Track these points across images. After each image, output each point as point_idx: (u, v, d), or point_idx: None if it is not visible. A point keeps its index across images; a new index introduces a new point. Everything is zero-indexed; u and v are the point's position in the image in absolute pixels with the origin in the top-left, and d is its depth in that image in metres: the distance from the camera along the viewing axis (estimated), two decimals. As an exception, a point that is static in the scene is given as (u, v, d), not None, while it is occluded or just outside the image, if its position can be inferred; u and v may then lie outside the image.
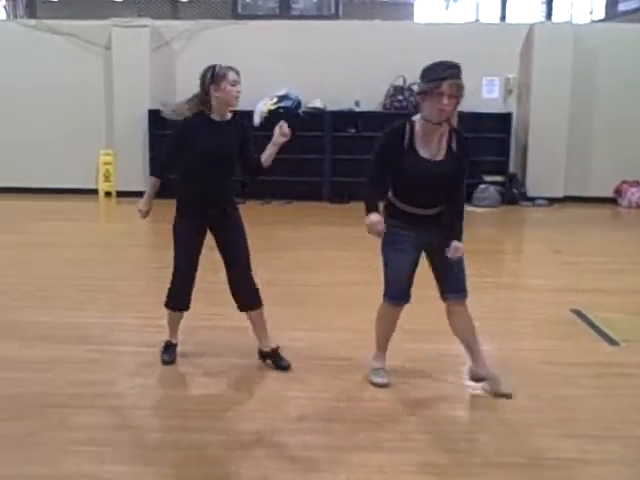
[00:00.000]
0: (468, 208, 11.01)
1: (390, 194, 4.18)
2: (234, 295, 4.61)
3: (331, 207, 11.59)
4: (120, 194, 12.22)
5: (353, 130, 12.05)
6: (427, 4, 34.14)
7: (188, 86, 13.24)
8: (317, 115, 11.87)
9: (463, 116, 13.14)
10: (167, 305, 4.64)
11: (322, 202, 11.89)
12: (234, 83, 4.36)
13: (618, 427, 3.89)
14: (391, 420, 3.95)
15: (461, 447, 3.67)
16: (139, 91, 11.94)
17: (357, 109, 11.95)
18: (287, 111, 11.76)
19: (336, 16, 13.69)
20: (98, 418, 3.88)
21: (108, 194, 12.37)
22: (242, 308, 4.64)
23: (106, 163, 12.33)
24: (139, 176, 12.06)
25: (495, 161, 11.97)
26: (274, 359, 4.62)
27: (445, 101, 3.83)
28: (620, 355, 4.95)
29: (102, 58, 12.24)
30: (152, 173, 4.65)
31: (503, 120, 11.94)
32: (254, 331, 4.69)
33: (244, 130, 4.58)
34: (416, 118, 4.03)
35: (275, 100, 11.77)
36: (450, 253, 4.08)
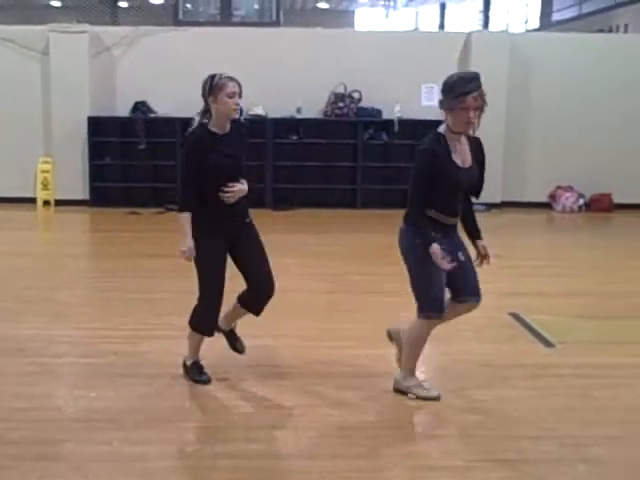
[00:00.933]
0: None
1: (428, 209, 4.14)
2: (256, 301, 4.48)
3: (274, 214, 11.58)
4: (59, 203, 12.00)
5: (295, 137, 12.08)
6: (367, 12, 34.46)
7: (129, 92, 13.13)
8: (259, 122, 11.85)
9: (402, 123, 13.33)
10: (197, 329, 4.46)
11: (265, 209, 11.87)
12: (232, 95, 4.23)
13: (555, 427, 3.99)
14: (333, 426, 3.96)
15: (402, 451, 3.71)
16: (78, 97, 11.75)
17: (299, 116, 11.98)
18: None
19: (277, 23, 13.72)
20: (35, 432, 3.81)
21: (46, 203, 12.14)
22: (259, 313, 4.53)
23: (44, 171, 12.08)
24: (78, 184, 11.88)
25: (435, 167, 12.12)
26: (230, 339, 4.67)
27: (471, 114, 3.96)
28: (556, 356, 5.08)
29: (40, 64, 12.01)
30: (183, 209, 4.29)
31: (442, 127, 12.10)
32: (227, 312, 4.59)
33: (244, 135, 4.53)
34: (441, 129, 4.10)
35: (216, 107, 11.71)
36: (483, 250, 4.26)
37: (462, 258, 4.19)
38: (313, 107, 12.09)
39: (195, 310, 4.44)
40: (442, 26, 27.89)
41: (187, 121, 13.09)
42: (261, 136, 11.86)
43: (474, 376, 4.69)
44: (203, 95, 4.30)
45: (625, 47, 12.48)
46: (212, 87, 4.24)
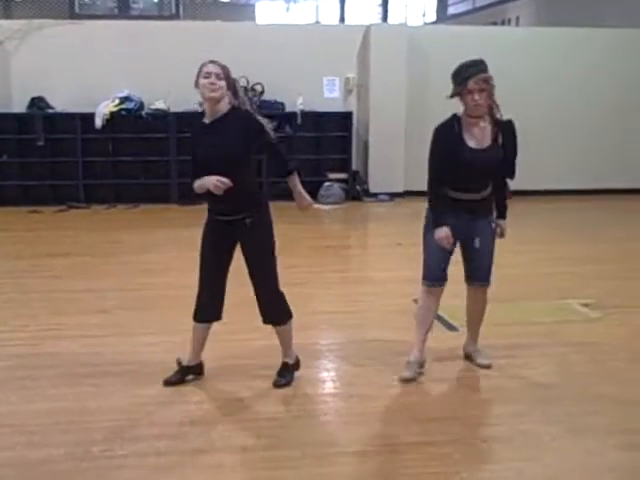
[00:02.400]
0: (314, 205, 11.32)
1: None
2: (260, 309, 4.34)
3: (180, 209, 11.46)
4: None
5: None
6: (268, 6, 34.39)
7: (25, 87, 12.69)
8: (161, 116, 11.70)
9: (305, 116, 13.36)
10: (193, 317, 4.38)
11: (170, 204, 11.74)
12: (207, 75, 4.11)
13: (458, 408, 4.12)
14: (243, 418, 3.99)
15: (315, 439, 3.76)
16: (-31, 93, 11.31)
17: (201, 109, 11.83)
18: (129, 113, 11.53)
19: (177, 16, 13.57)
20: None
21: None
22: (264, 321, 4.38)
23: None
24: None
25: (338, 159, 12.26)
26: (279, 372, 4.47)
27: (476, 96, 4.25)
28: (458, 339, 5.22)
29: None
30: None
31: (344, 119, 12.24)
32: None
33: (247, 123, 4.15)
34: (460, 113, 4.40)
35: (117, 102, 11.49)
36: (500, 228, 4.58)
37: (477, 245, 4.51)
38: (216, 101, 11.99)
39: None
40: (342, 19, 28.13)
41: (88, 116, 12.86)
42: (164, 131, 11.71)
43: (381, 362, 4.77)
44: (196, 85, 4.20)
45: (517, 39, 12.93)
46: (197, 75, 4.16)
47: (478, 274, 4.63)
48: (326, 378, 4.66)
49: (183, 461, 3.52)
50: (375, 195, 12.22)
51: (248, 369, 4.63)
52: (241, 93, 4.31)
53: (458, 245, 4.58)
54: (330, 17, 31.11)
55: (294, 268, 7.13)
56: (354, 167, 12.47)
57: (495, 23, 19.60)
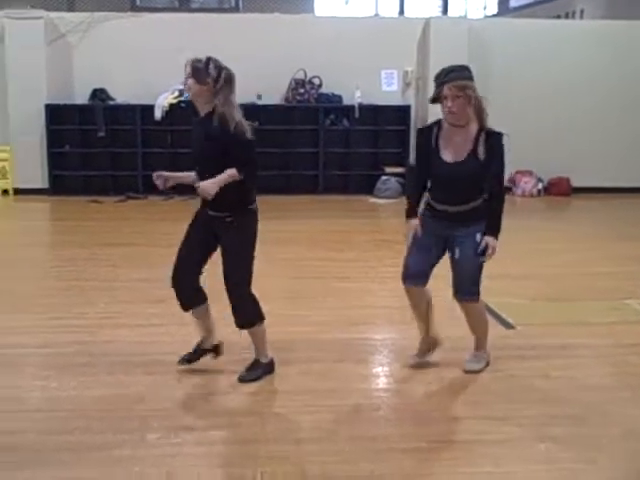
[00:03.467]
0: (370, 199, 11.29)
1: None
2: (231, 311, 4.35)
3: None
4: (18, 192, 11.83)
5: (256, 123, 11.96)
6: (327, -2, 34.33)
7: (87, 80, 12.92)
8: (219, 109, 11.79)
9: (363, 109, 13.33)
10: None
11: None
12: (187, 76, 4.22)
13: (514, 407, 4.06)
14: (296, 411, 3.99)
15: (366, 434, 3.75)
16: (35, 85, 11.55)
17: (259, 102, 11.93)
18: (188, 105, 11.62)
19: (236, 9, 13.64)
20: (-3, 423, 3.78)
21: (5, 192, 11.96)
22: (236, 325, 4.36)
23: (2, 160, 11.90)
24: (37, 173, 11.72)
25: (395, 153, 12.19)
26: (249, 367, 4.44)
27: (449, 103, 4.05)
28: (515, 338, 5.16)
29: (-7, 51, 11.80)
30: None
31: (402, 112, 12.17)
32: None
33: (210, 129, 4.08)
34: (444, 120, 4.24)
35: (176, 94, 11.62)
36: (480, 244, 4.21)
37: (457, 256, 4.29)
38: (274, 93, 12.05)
39: None
40: (402, 12, 27.91)
41: (147, 108, 13.05)
42: (222, 123, 11.80)
43: (433, 358, 4.73)
44: None
45: (581, 32, 12.66)
46: None
47: (459, 287, 4.35)
48: (379, 373, 4.65)
49: (236, 451, 3.55)
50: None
51: (299, 361, 4.64)
52: (223, 92, 4.13)
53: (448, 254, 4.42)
54: (389, 10, 30.90)
55: (349, 262, 7.13)
56: (411, 161, 12.38)
57: (559, 16, 19.18)
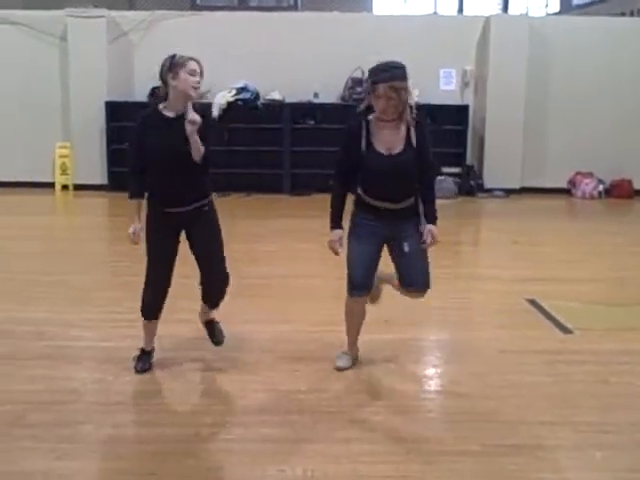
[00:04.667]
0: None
1: (359, 189, 4.23)
2: (205, 289, 4.46)
3: (291, 199, 11.59)
4: (77, 187, 12.08)
5: (312, 122, 12.05)
6: (386, -4, 34.23)
7: (146, 78, 13.12)
8: (276, 107, 11.85)
9: (421, 108, 13.25)
10: (141, 312, 4.46)
11: (282, 194, 11.88)
12: (193, 72, 4.13)
13: (571, 413, 3.97)
14: (348, 411, 3.97)
15: (418, 436, 3.71)
16: (96, 83, 11.79)
17: (316, 101, 11.95)
18: (245, 103, 11.73)
19: (295, 7, 13.69)
20: (54, 414, 3.84)
21: (65, 187, 12.21)
22: (212, 304, 4.53)
23: (62, 156, 12.16)
24: (97, 169, 11.98)
25: (452, 153, 12.07)
26: (210, 330, 4.64)
27: (381, 102, 3.98)
28: (573, 343, 5.05)
29: (58, 49, 12.05)
30: (131, 196, 4.26)
31: (460, 112, 12.04)
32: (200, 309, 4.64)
33: (210, 123, 4.32)
34: (371, 116, 4.13)
35: (234, 92, 11.72)
36: (425, 236, 4.16)
37: (406, 249, 4.20)
38: (330, 92, 12.05)
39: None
40: (461, 10, 27.65)
41: (206, 106, 13.13)
42: (278, 121, 11.85)
43: (490, 362, 4.67)
44: (161, 74, 4.18)
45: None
46: (172, 65, 4.12)
47: (416, 279, 4.28)
48: (432, 375, 4.59)
49: (288, 449, 3.54)
50: (490, 191, 11.96)
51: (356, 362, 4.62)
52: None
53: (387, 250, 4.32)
54: (448, 8, 30.64)
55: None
56: (468, 161, 12.25)
57: (623, 14, 18.75)
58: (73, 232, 9.21)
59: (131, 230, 4.28)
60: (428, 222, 4.20)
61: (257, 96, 11.84)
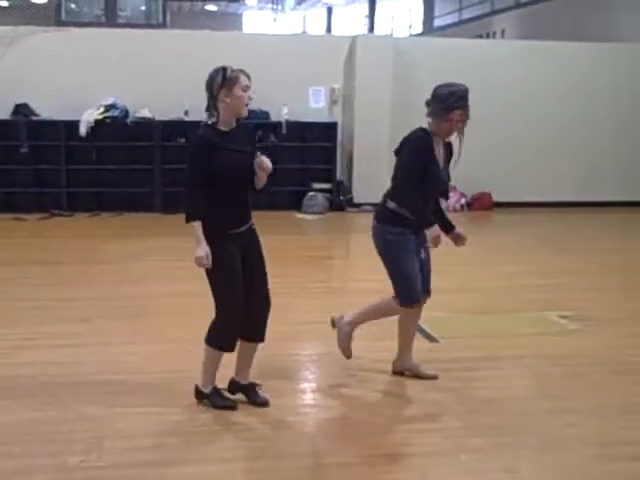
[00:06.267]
0: (297, 215, 11.35)
1: (394, 205, 4.42)
2: (255, 315, 4.12)
3: (164, 218, 11.45)
4: None
5: (183, 140, 11.96)
6: (255, 15, 34.49)
7: (9, 94, 12.62)
8: (146, 125, 11.70)
9: (290, 125, 13.35)
10: (218, 345, 4.09)
11: (154, 213, 11.72)
12: (245, 88, 3.97)
13: (439, 419, 4.15)
14: (223, 429, 3.98)
15: (294, 450, 3.76)
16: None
17: (186, 119, 11.87)
18: (115, 121, 11.52)
19: (164, 25, 13.59)
20: None
21: None
22: (259, 339, 4.19)
23: None
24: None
25: (323, 169, 12.30)
26: (249, 394, 4.26)
27: (451, 125, 4.43)
28: (439, 351, 5.26)
29: None
30: (191, 218, 3.94)
31: (329, 129, 12.28)
32: (238, 361, 4.27)
33: (254, 133, 4.22)
34: (428, 130, 4.46)
35: (102, 110, 11.48)
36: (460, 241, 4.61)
37: (422, 256, 4.52)
38: (201, 110, 11.90)
39: (214, 326, 4.08)
40: (329, 30, 28.25)
41: (72, 124, 12.79)
42: (148, 139, 11.71)
43: (358, 373, 4.78)
44: (211, 89, 3.99)
45: (501, 51, 13.09)
46: (226, 79, 3.95)
47: (428, 285, 4.64)
48: (306, 389, 4.67)
49: (161, 473, 3.51)
50: (359, 205, 12.24)
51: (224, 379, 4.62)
52: None
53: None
54: (317, 28, 31.22)
55: (276, 278, 7.12)
56: (338, 177, 12.50)
57: (481, 36, 19.73)
58: None
59: (203, 253, 3.91)
60: (453, 228, 4.60)
61: (126, 113, 11.65)
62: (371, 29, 23.76)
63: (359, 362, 4.95)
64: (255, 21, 34.43)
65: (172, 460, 3.60)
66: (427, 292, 4.63)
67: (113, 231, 10.49)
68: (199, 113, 12.66)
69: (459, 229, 4.63)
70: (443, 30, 23.14)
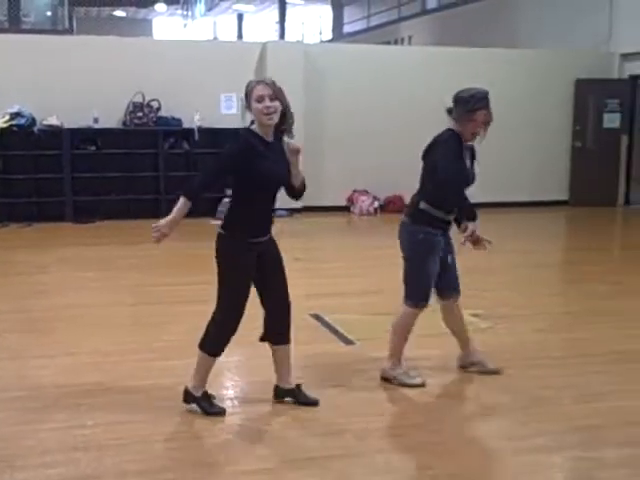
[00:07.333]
0: (211, 222, 11.31)
1: (424, 205, 4.56)
2: (269, 326, 4.24)
3: (75, 227, 11.19)
4: None
5: (93, 147, 11.75)
6: (165, 21, 34.15)
7: None
8: (54, 133, 11.43)
9: (202, 132, 13.26)
10: (210, 351, 4.14)
11: (65, 222, 11.45)
12: (259, 99, 3.92)
13: (348, 421, 4.16)
14: (139, 441, 3.92)
15: (215, 459, 3.75)
16: None
17: (96, 126, 11.66)
18: (21, 129, 11.22)
19: (70, 31, 13.31)
20: None
21: None
22: (285, 341, 4.29)
23: None
24: None
25: (238, 175, 12.26)
26: (297, 397, 4.33)
27: (476, 126, 4.48)
28: (355, 353, 5.33)
29: None
30: (187, 195, 3.94)
31: (242, 135, 12.26)
32: (275, 367, 4.35)
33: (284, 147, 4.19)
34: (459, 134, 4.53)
35: (7, 118, 11.16)
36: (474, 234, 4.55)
37: (449, 260, 4.65)
38: (111, 117, 11.81)
39: (208, 330, 4.14)
40: (240, 36, 28.21)
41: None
42: (57, 147, 11.44)
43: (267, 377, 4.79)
44: (247, 106, 4.03)
45: (409, 57, 13.42)
46: (246, 95, 3.98)
47: (456, 285, 4.83)
48: (224, 396, 4.63)
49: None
50: (273, 211, 12.25)
51: (144, 391, 4.57)
52: (290, 119, 4.14)
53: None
54: (228, 34, 31.14)
55: (189, 285, 7.10)
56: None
57: (388, 42, 20.09)
58: None
59: (163, 222, 3.89)
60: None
61: (33, 121, 11.35)
62: (282, 35, 23.88)
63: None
64: (165, 27, 34.10)
65: (85, 476, 3.53)
66: (458, 291, 4.80)
67: (23, 242, 10.20)
68: (110, 120, 12.62)
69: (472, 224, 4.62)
70: (352, 36, 23.45)
